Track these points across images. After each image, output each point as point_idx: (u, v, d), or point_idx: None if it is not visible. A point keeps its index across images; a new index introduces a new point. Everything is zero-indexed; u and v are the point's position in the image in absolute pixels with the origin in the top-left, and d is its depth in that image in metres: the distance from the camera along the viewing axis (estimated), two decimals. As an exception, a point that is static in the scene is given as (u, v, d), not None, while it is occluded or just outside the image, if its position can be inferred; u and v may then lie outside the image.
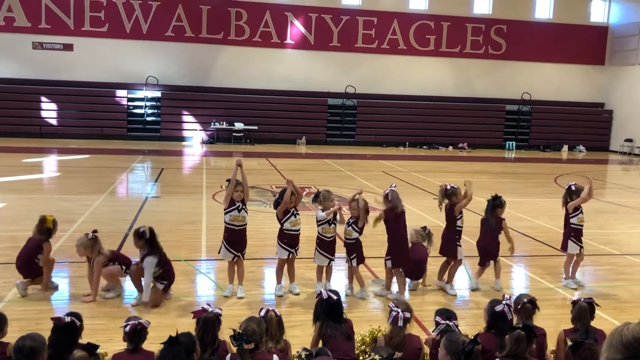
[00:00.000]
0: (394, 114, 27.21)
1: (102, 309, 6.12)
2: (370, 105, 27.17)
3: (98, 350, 3.95)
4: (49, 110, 24.61)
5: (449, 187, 7.03)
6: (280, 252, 6.74)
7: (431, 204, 12.68)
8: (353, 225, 6.69)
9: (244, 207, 6.61)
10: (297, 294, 6.73)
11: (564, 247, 7.45)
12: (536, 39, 28.17)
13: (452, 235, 7.01)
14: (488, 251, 7.15)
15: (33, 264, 6.42)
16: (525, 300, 4.63)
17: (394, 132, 27.14)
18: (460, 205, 6.93)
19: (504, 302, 4.42)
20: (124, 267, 6.56)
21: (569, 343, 3.95)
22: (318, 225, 6.73)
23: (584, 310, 4.53)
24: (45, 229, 6.49)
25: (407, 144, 27.14)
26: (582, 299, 4.66)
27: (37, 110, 24.42)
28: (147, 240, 6.27)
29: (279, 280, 6.79)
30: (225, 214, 6.61)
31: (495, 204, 7.18)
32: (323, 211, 6.68)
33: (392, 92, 27.38)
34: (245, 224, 6.66)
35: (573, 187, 7.43)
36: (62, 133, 24.14)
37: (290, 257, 6.76)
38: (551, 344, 4.74)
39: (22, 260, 6.44)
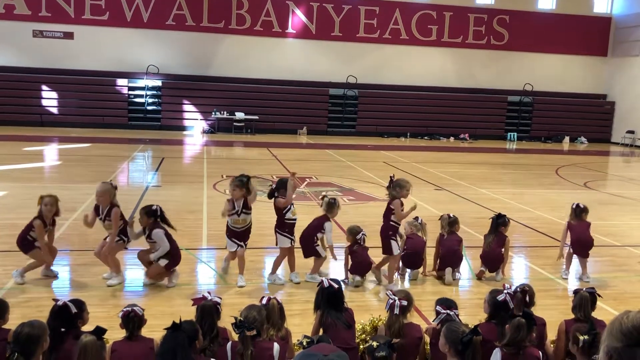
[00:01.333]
0: (396, 105, 27.14)
1: (103, 297, 6.13)
2: (371, 96, 27.10)
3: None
4: (49, 99, 24.57)
5: (451, 215, 7.20)
6: (283, 242, 6.77)
7: (431, 195, 12.69)
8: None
9: (244, 210, 6.59)
10: (298, 283, 6.75)
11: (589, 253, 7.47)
12: (539, 30, 28.03)
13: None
14: (494, 264, 7.22)
15: (25, 239, 6.48)
16: (518, 289, 4.63)
17: (395, 123, 27.10)
18: None
19: (505, 291, 4.42)
20: (125, 239, 6.60)
21: (580, 338, 3.90)
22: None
23: (585, 300, 4.53)
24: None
25: (408, 134, 27.10)
26: (584, 289, 4.66)
27: (38, 99, 24.37)
28: (157, 218, 6.40)
29: (274, 270, 6.82)
30: (228, 216, 6.60)
31: (499, 223, 7.22)
32: (329, 220, 6.88)
33: (394, 82, 27.30)
34: (248, 224, 6.66)
35: (582, 206, 7.40)
36: (62, 122, 24.10)
37: (292, 244, 6.79)
38: (551, 334, 4.74)
39: (19, 235, 6.55)
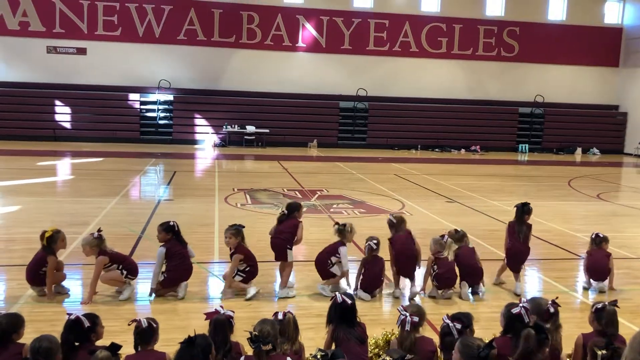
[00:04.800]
0: (406, 117, 27.16)
1: (115, 311, 6.14)
2: (381, 108, 27.13)
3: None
4: (62, 114, 24.84)
5: (459, 230, 7.09)
6: (292, 256, 6.86)
7: (443, 207, 12.63)
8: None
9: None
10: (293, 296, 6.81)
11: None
12: (549, 41, 27.99)
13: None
14: (521, 257, 7.21)
15: (37, 275, 6.43)
16: (550, 304, 4.57)
17: (406, 135, 27.08)
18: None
19: (521, 304, 4.37)
20: (125, 272, 6.53)
21: (599, 352, 3.83)
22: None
23: (614, 314, 4.46)
24: (42, 245, 6.46)
25: (419, 146, 27.06)
26: (608, 303, 4.56)
27: (51, 114, 24.66)
28: (174, 235, 6.59)
29: (285, 283, 6.85)
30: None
31: (525, 211, 7.22)
32: (344, 245, 6.86)
33: (404, 94, 27.32)
34: None
35: (601, 235, 7.41)
36: (75, 136, 24.35)
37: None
38: (566, 348, 4.67)
39: (28, 272, 6.49)
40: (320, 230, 7.21)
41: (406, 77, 27.31)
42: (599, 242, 7.37)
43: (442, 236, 7.02)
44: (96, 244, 6.45)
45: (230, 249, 6.74)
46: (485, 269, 7.39)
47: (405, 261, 6.79)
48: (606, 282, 7.29)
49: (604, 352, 3.78)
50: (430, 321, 5.67)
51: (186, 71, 25.77)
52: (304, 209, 6.92)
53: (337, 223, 7.11)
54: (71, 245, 8.18)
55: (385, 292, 6.94)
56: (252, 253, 6.80)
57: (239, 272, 6.72)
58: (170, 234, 6.61)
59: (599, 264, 7.27)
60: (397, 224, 6.94)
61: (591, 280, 7.33)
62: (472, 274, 6.91)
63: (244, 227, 6.80)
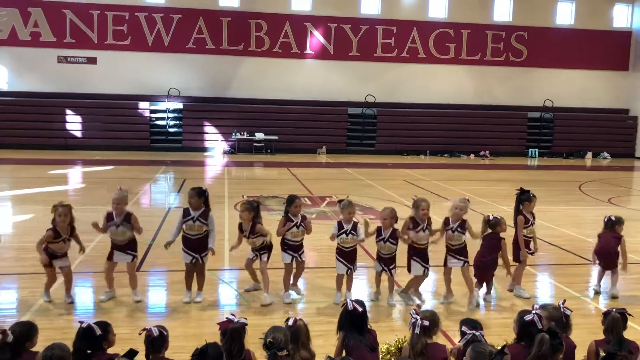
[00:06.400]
0: (415, 123, 27.14)
1: (126, 318, 6.16)
2: (390, 114, 27.13)
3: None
4: (73, 123, 25.06)
5: (491, 217, 7.03)
6: (283, 257, 6.89)
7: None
8: (390, 240, 6.68)
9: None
10: (288, 303, 6.79)
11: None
12: (558, 45, 27.90)
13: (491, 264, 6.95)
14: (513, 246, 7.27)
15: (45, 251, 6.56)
16: (567, 313, 4.57)
17: (415, 141, 27.04)
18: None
19: (533, 311, 4.33)
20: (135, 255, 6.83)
21: (602, 354, 3.83)
22: (337, 237, 6.76)
23: (616, 321, 4.43)
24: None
25: (428, 152, 27.02)
26: (614, 309, 4.56)
27: (62, 123, 24.88)
28: (206, 199, 6.75)
29: (285, 288, 6.86)
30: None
31: (523, 199, 7.27)
32: (342, 222, 6.76)
33: (413, 100, 27.32)
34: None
35: (613, 218, 7.34)
36: (86, 145, 24.54)
37: (293, 261, 6.87)
38: (580, 354, 4.64)
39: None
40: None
41: (414, 82, 27.31)
42: (610, 225, 7.27)
43: (467, 199, 7.02)
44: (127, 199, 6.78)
45: (244, 227, 6.76)
46: (495, 275, 7.34)
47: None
48: (617, 286, 7.22)
49: (606, 353, 3.77)
50: (443, 329, 5.64)
51: (195, 79, 25.92)
52: (307, 210, 6.90)
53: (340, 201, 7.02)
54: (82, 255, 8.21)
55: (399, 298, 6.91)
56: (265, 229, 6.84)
57: (260, 255, 6.80)
58: (203, 199, 6.75)
59: (606, 247, 7.19)
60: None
61: (600, 282, 7.30)
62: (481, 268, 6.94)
63: (259, 203, 6.88)
